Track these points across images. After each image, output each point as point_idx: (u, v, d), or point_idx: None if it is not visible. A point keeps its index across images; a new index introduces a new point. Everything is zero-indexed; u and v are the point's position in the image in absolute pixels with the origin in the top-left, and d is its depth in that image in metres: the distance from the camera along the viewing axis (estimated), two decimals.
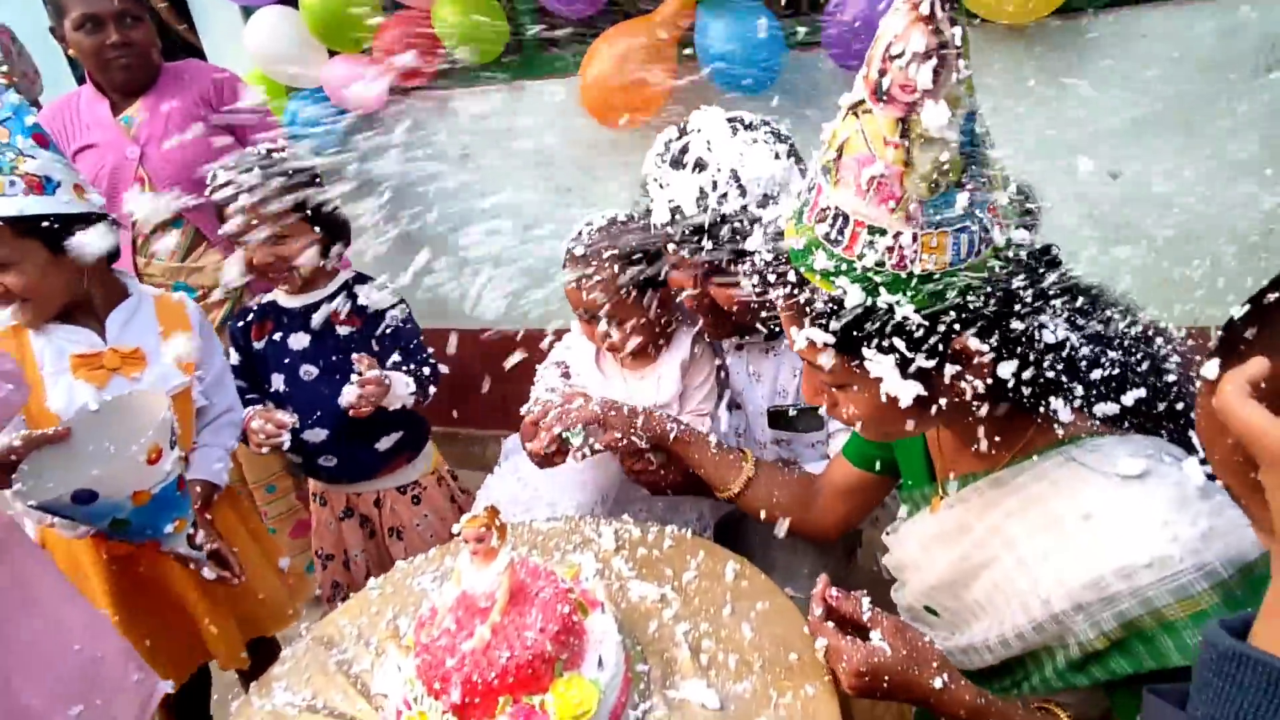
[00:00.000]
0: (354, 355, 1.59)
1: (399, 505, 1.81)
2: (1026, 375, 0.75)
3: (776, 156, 1.15)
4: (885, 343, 0.73)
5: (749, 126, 1.18)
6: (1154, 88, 1.85)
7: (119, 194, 1.97)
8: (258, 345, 1.68)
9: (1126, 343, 0.80)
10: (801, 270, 0.75)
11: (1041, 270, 0.74)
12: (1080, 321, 0.78)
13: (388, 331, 1.70)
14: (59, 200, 1.27)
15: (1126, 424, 0.80)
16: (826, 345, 0.75)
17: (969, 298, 0.70)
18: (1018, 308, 0.72)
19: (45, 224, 1.25)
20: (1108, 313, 0.81)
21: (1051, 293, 0.75)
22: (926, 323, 0.71)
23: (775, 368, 1.42)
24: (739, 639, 1.00)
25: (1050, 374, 0.76)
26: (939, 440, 0.97)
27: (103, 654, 1.19)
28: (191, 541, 1.32)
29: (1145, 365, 0.79)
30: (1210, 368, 0.49)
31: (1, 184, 1.22)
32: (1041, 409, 0.78)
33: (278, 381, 1.67)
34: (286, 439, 1.56)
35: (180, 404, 1.41)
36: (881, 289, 0.70)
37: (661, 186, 1.18)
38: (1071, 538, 0.76)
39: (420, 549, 1.79)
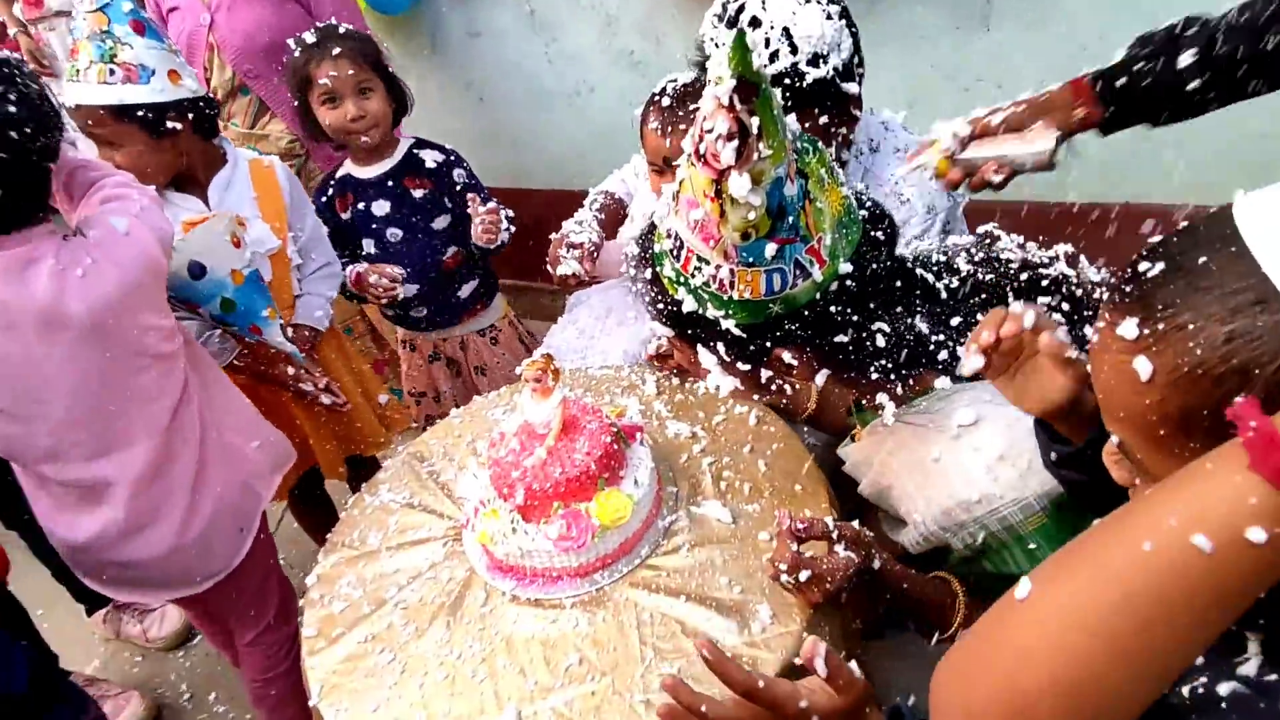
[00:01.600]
0: (468, 198, 1.80)
1: (481, 346, 2.07)
2: (851, 370, 0.95)
3: (829, 17, 1.19)
4: (711, 343, 0.93)
5: None
6: None
7: (195, 59, 2.11)
8: (344, 216, 1.88)
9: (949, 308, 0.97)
10: (657, 269, 0.93)
11: (892, 283, 0.92)
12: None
13: (457, 189, 1.88)
14: (153, 89, 1.41)
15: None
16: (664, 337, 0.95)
17: (787, 322, 0.91)
18: (839, 323, 0.91)
19: (140, 113, 1.41)
20: (978, 296, 0.95)
21: (923, 292, 0.94)
22: (745, 335, 0.91)
23: None
24: (754, 471, 1.20)
25: (879, 369, 0.95)
26: None
27: (257, 413, 1.53)
28: (285, 332, 1.57)
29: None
30: (1128, 327, 0.48)
31: (102, 71, 1.37)
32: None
33: (369, 246, 1.88)
34: (401, 291, 1.79)
35: (277, 263, 1.63)
36: (709, 304, 0.88)
37: (717, 45, 1.24)
38: (928, 476, 0.93)
39: (501, 383, 2.07)
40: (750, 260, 0.83)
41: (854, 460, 1.10)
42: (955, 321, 0.95)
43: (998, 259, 0.97)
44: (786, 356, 0.93)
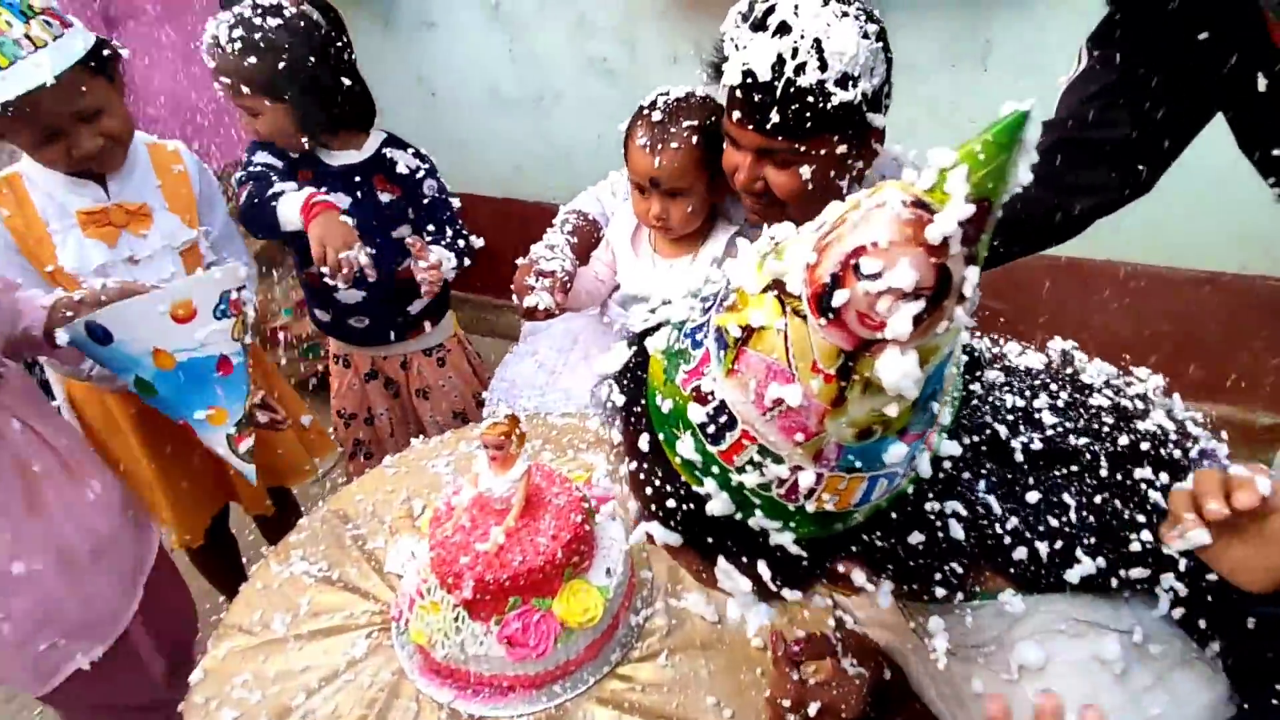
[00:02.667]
0: (406, 240, 1.53)
1: (425, 367, 1.84)
2: (915, 581, 0.61)
3: (865, 36, 1.06)
4: (745, 561, 0.56)
5: (843, 0, 1.08)
6: None
7: None
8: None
9: (1082, 503, 0.62)
10: (660, 438, 0.54)
11: (968, 452, 0.60)
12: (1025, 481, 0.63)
13: (424, 202, 1.67)
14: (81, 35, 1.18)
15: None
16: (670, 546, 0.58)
17: (861, 530, 0.56)
18: (921, 518, 0.59)
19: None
20: (1066, 467, 0.63)
21: (990, 453, 0.62)
22: (804, 552, 0.55)
23: None
24: None
25: (944, 573, 0.61)
26: None
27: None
28: (234, 445, 1.24)
29: (1103, 529, 0.61)
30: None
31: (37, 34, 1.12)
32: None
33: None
34: (359, 271, 1.43)
35: (189, 260, 1.39)
36: (758, 511, 0.53)
37: (738, 48, 1.09)
38: (965, 705, 0.67)
39: (444, 409, 1.86)
40: (857, 466, 0.50)
41: (883, 643, 0.84)
42: (1033, 499, 0.62)
43: (1086, 406, 0.67)
44: (858, 578, 0.57)
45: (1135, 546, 0.59)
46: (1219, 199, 1.94)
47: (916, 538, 0.58)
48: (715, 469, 0.52)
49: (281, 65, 1.45)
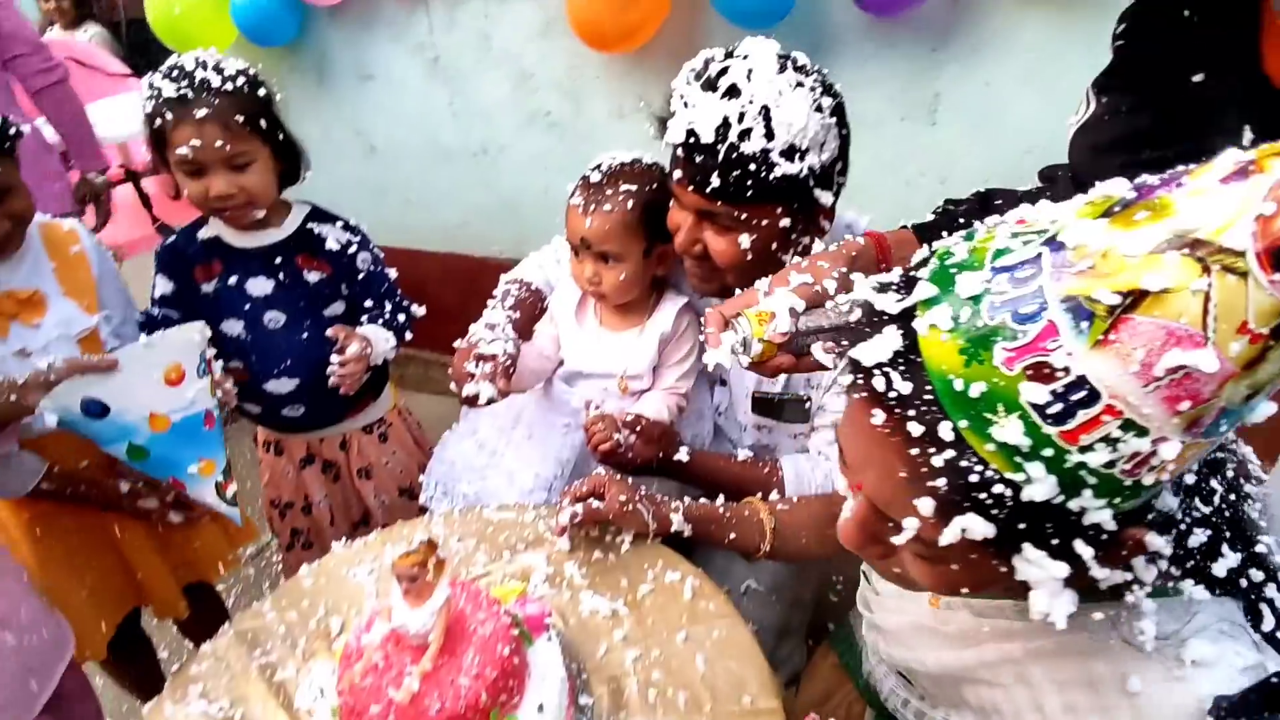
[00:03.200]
0: (328, 331, 1.43)
1: (367, 445, 1.72)
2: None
3: (819, 109, 1.02)
4: (1061, 545, 0.52)
5: (800, 69, 1.04)
6: None
7: None
8: (206, 287, 1.50)
9: (1221, 493, 0.64)
10: (963, 426, 0.50)
11: None
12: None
13: (359, 277, 1.55)
14: None
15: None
16: (985, 539, 0.52)
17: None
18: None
19: None
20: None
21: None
22: (1115, 527, 0.51)
23: None
24: (691, 672, 0.94)
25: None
26: None
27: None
28: (221, 492, 1.25)
29: (1234, 522, 0.63)
30: None
31: None
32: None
33: (234, 328, 1.51)
34: (231, 403, 1.37)
35: (88, 348, 1.28)
36: (1086, 490, 0.49)
37: (686, 105, 1.05)
38: (1106, 709, 0.63)
39: (389, 487, 1.73)
40: (1221, 430, 0.48)
41: (920, 626, 0.81)
42: (1189, 480, 0.64)
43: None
44: (1152, 540, 0.54)
45: (1260, 548, 0.61)
46: None
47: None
48: (1048, 451, 0.48)
49: (268, 104, 1.38)
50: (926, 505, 0.53)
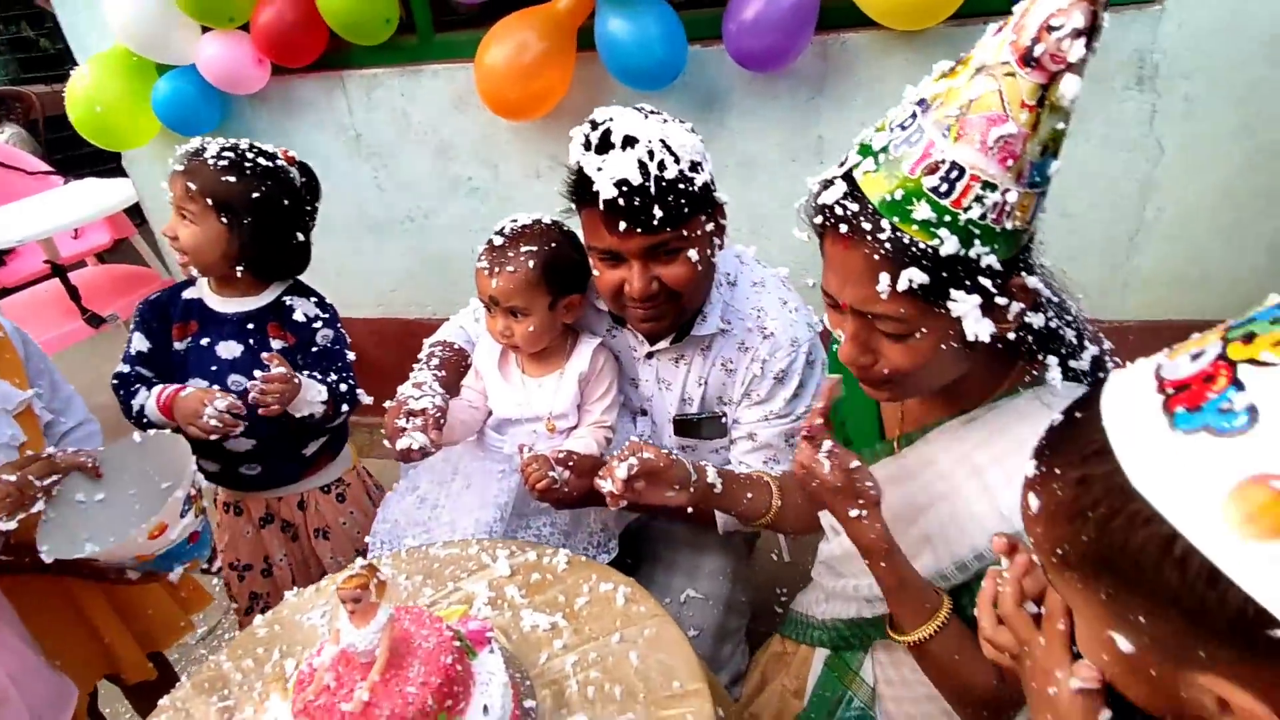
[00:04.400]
0: (263, 355, 1.52)
1: (324, 505, 1.77)
2: (1038, 324, 0.87)
3: (691, 131, 1.21)
4: (971, 283, 0.79)
5: (652, 112, 1.22)
6: None
7: None
8: (178, 345, 1.58)
9: (1073, 311, 0.95)
10: (894, 220, 0.79)
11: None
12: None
13: (314, 350, 1.64)
14: None
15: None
16: (919, 287, 0.80)
17: (1023, 253, 0.83)
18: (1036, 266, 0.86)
19: None
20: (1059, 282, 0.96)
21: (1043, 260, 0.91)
22: (1001, 268, 0.79)
23: (683, 376, 1.45)
24: (625, 668, 1.03)
25: (1051, 324, 0.90)
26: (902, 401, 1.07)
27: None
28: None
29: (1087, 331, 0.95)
30: (1029, 466, 0.55)
31: None
32: (1038, 357, 0.92)
33: (199, 387, 1.58)
34: (241, 426, 1.49)
35: (25, 422, 1.33)
36: (977, 240, 0.77)
37: (599, 170, 1.17)
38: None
39: (346, 548, 1.79)
40: (1036, 180, 0.77)
41: (905, 464, 1.03)
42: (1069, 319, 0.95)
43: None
44: (1031, 281, 0.82)
45: (1105, 347, 0.96)
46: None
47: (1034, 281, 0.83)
48: (947, 217, 0.77)
49: (255, 195, 1.49)
50: (885, 280, 0.81)
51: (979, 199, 0.76)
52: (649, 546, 1.61)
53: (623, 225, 1.18)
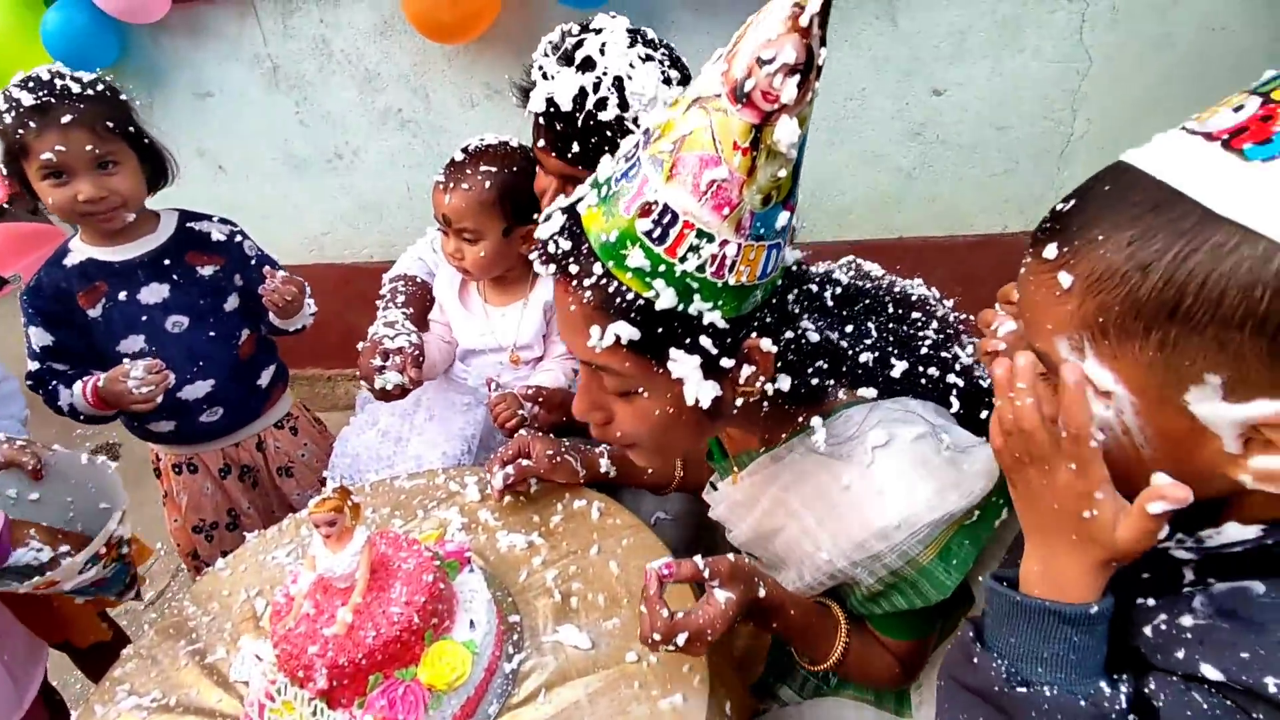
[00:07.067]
0: (265, 270, 1.48)
1: (282, 440, 1.72)
2: (797, 376, 0.80)
3: (667, 81, 1.12)
4: (691, 342, 0.71)
5: (649, 43, 1.14)
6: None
7: None
8: (93, 313, 1.46)
9: (880, 327, 0.88)
10: (610, 266, 0.69)
11: (800, 282, 0.83)
12: (842, 312, 0.88)
13: (251, 263, 1.58)
14: None
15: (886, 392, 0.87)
16: (631, 343, 0.71)
17: (760, 312, 0.75)
18: (789, 316, 0.78)
19: None
20: (863, 303, 0.90)
21: (810, 300, 0.84)
22: (728, 327, 0.72)
23: None
24: (607, 576, 1.04)
25: (815, 372, 0.82)
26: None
27: None
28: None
29: (900, 342, 0.88)
30: (1050, 250, 0.53)
31: None
32: (811, 399, 0.85)
33: (136, 343, 1.48)
34: (172, 376, 1.42)
35: None
36: (697, 295, 0.69)
37: (546, 77, 1.12)
38: (836, 507, 0.83)
39: (311, 482, 1.75)
40: (761, 233, 0.67)
41: (732, 502, 0.99)
42: (849, 329, 0.87)
43: (869, 275, 0.95)
44: (765, 344, 0.74)
45: (924, 350, 0.87)
46: (978, 171, 2.19)
47: (788, 335, 0.78)
48: (662, 267, 0.67)
49: (130, 111, 1.39)
50: (596, 331, 0.72)
51: (694, 249, 0.66)
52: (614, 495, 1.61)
53: (541, 142, 1.16)
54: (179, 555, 1.79)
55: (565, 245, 0.72)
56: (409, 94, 2.25)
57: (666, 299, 0.68)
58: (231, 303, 1.56)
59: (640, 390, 0.77)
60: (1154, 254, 0.46)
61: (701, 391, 0.73)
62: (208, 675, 0.98)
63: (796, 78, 0.59)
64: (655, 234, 0.66)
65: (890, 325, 0.89)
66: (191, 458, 1.65)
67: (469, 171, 1.31)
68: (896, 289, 0.93)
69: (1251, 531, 0.52)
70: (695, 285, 0.68)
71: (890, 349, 0.87)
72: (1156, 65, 1.99)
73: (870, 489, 0.81)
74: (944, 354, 0.88)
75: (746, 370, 0.75)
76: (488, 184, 1.30)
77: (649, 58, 1.11)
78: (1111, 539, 0.53)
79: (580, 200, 0.73)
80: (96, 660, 1.54)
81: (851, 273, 0.94)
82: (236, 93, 2.34)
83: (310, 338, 1.71)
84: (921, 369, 0.87)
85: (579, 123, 1.10)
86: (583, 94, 1.09)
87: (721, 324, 0.71)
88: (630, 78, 1.09)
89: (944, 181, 2.19)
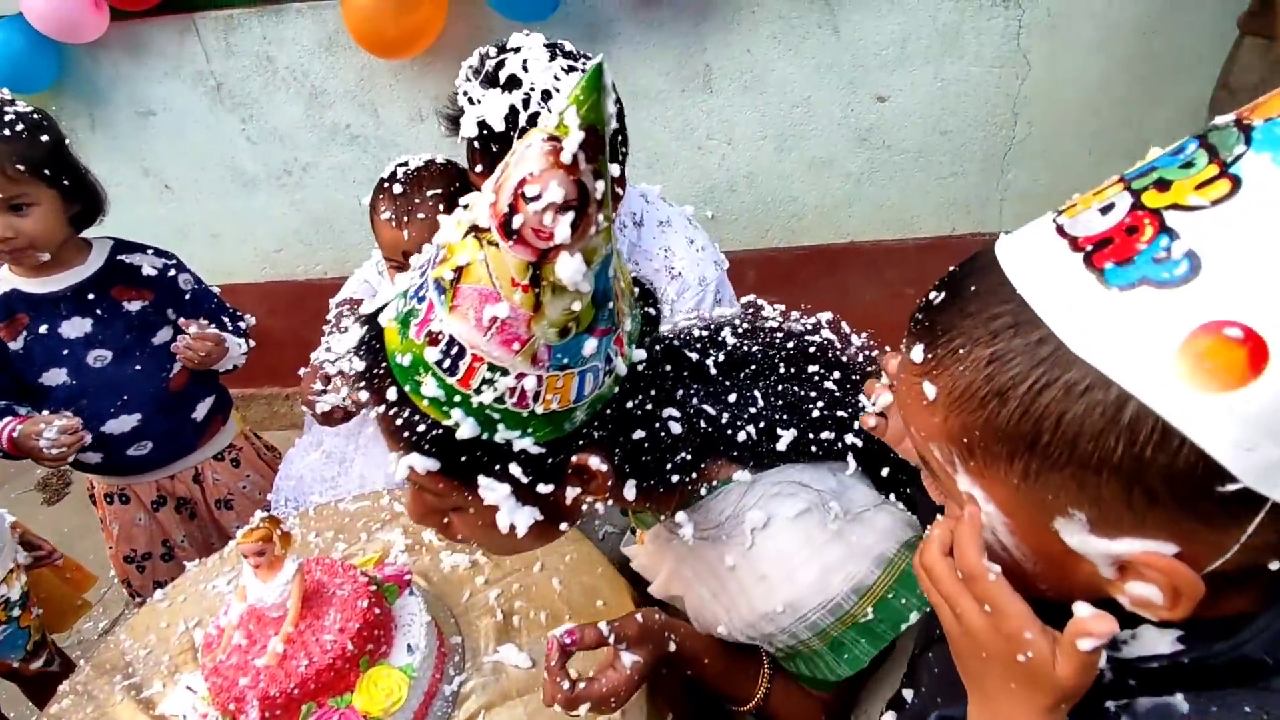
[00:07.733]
0: (181, 322, 1.46)
1: (221, 473, 1.68)
2: (651, 478, 0.74)
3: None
4: (501, 469, 0.65)
5: (569, 54, 1.13)
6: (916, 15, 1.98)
7: None
8: (14, 345, 1.43)
9: (767, 392, 0.81)
10: (406, 390, 0.62)
11: (674, 358, 0.77)
12: (722, 381, 0.81)
13: (185, 298, 1.55)
14: None
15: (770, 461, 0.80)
16: (430, 473, 0.65)
17: (588, 427, 0.68)
18: (637, 417, 0.71)
19: None
20: (749, 368, 0.83)
21: (690, 371, 0.79)
22: (544, 450, 0.65)
23: None
24: (549, 593, 1.04)
25: (676, 467, 0.75)
26: None
27: None
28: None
29: (790, 406, 0.81)
30: (917, 351, 0.49)
31: None
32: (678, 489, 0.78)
33: (59, 376, 1.45)
34: (88, 437, 1.39)
35: None
36: (500, 425, 0.62)
37: (472, 102, 1.11)
38: (726, 585, 0.79)
39: (250, 513, 1.68)
40: (565, 362, 0.61)
41: (640, 563, 0.99)
42: (731, 399, 0.80)
43: (763, 329, 0.88)
44: (594, 462, 0.67)
45: (815, 413, 0.80)
46: (925, 175, 2.23)
47: (639, 434, 0.71)
48: (458, 398, 0.60)
49: (54, 148, 1.35)
50: (393, 458, 0.67)
51: (489, 381, 0.60)
52: None
53: (479, 168, 1.15)
54: (120, 583, 1.76)
55: (359, 365, 0.65)
56: (356, 109, 2.24)
57: (467, 429, 0.61)
58: (162, 336, 1.53)
59: (463, 506, 0.71)
60: (1010, 380, 0.43)
61: (517, 518, 0.67)
62: (144, 710, 0.97)
63: (570, 215, 0.53)
64: (445, 364, 0.60)
65: (780, 388, 0.82)
66: (124, 488, 1.62)
67: (417, 201, 1.27)
68: (791, 343, 0.86)
69: (1166, 644, 0.49)
70: (497, 415, 0.61)
71: (779, 415, 0.79)
72: (1094, 69, 2.05)
73: (753, 573, 0.77)
74: (841, 412, 0.81)
75: (572, 492, 0.69)
76: (440, 207, 1.28)
77: (571, 69, 1.12)
78: (1054, 680, 0.47)
79: (384, 309, 0.65)
80: (41, 690, 1.51)
81: (745, 325, 0.88)
82: (180, 111, 2.31)
83: (264, 356, 1.68)
84: (813, 435, 0.80)
85: (514, 140, 1.10)
86: (514, 112, 1.09)
87: (535, 449, 0.64)
88: (558, 90, 1.10)
89: (892, 186, 2.23)
